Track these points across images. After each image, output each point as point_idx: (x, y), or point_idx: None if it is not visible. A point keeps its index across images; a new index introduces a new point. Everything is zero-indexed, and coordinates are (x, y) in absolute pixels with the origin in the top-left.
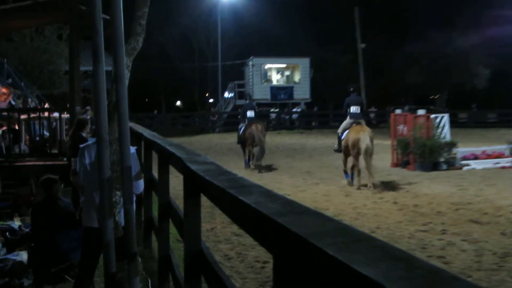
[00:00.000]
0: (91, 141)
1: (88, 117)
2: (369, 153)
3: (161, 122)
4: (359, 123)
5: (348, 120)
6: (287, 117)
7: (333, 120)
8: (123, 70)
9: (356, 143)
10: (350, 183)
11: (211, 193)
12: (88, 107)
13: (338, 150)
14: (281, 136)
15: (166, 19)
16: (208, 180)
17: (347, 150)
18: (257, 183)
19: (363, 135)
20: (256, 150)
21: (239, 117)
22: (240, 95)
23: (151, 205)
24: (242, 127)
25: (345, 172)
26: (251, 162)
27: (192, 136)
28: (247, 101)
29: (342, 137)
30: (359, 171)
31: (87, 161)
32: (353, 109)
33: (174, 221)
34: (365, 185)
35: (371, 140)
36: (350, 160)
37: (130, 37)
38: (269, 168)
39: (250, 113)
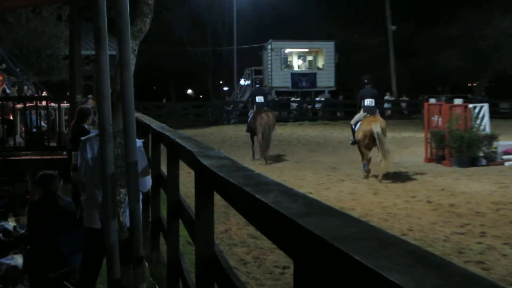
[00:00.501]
0: (93, 133)
1: (89, 106)
2: (380, 141)
3: (170, 113)
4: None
5: (361, 113)
6: (309, 107)
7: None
8: (129, 55)
9: (366, 134)
10: (366, 175)
11: (225, 191)
12: (90, 96)
13: (354, 143)
14: (303, 128)
15: None
16: (222, 176)
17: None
18: (276, 180)
19: (374, 125)
20: (262, 141)
21: (247, 104)
22: (258, 81)
23: (159, 204)
24: (251, 114)
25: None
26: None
27: (204, 128)
28: (257, 85)
29: (356, 129)
30: (369, 161)
31: (89, 155)
32: (367, 102)
33: (184, 222)
34: (377, 176)
35: (383, 130)
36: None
37: (136, 18)
38: (290, 164)
39: (259, 99)
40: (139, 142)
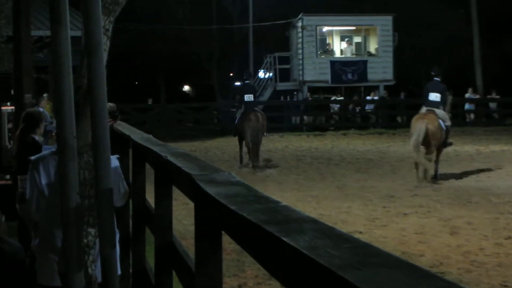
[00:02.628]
0: (48, 150)
1: (41, 110)
2: (420, 140)
3: (159, 118)
4: (432, 111)
5: (422, 109)
6: (357, 109)
7: None
8: (99, 37)
9: (414, 131)
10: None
11: (239, 231)
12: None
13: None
14: (349, 139)
15: None
16: (234, 210)
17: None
18: (310, 216)
19: (421, 122)
20: (251, 146)
21: (235, 103)
22: (284, 74)
23: (144, 249)
24: (238, 115)
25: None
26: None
27: (207, 140)
28: (246, 81)
29: None
30: (419, 165)
31: (43, 181)
32: (432, 96)
33: (180, 274)
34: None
35: (433, 129)
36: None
37: None
38: (329, 190)
39: (248, 97)
40: (114, 161)
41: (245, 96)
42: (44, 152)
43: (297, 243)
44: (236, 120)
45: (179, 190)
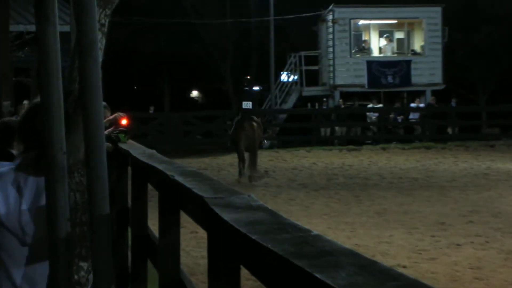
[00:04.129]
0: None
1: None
2: None
3: (162, 130)
4: None
5: None
6: (399, 118)
7: (488, 124)
8: (94, 34)
9: None
10: None
11: (262, 266)
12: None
13: None
14: (389, 154)
15: None
16: (256, 241)
17: None
18: (346, 247)
19: None
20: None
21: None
22: (311, 76)
23: (146, 285)
24: (234, 122)
25: None
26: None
27: (220, 156)
28: (245, 88)
29: None
30: None
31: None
32: None
33: None
34: None
35: None
36: None
37: None
38: (367, 216)
39: (246, 104)
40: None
41: (243, 103)
42: (2, 169)
43: (334, 280)
44: (232, 128)
45: (188, 216)
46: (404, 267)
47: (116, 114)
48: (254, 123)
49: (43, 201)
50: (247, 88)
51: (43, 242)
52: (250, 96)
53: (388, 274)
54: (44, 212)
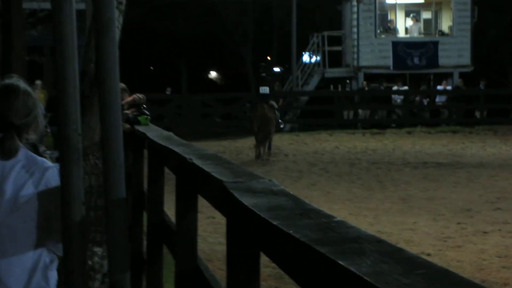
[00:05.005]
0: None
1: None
2: None
3: (180, 112)
4: None
5: None
6: (425, 101)
7: None
8: (112, 12)
9: None
10: None
11: (283, 253)
12: (37, 82)
13: None
14: (414, 138)
15: None
16: (277, 226)
17: None
18: (371, 233)
19: None
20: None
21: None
22: (334, 58)
23: (161, 273)
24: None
25: None
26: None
27: (239, 139)
28: (262, 74)
29: None
30: None
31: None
32: None
33: None
34: None
35: None
36: None
37: None
38: (390, 202)
39: (263, 89)
40: (54, 174)
41: (260, 88)
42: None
43: (358, 268)
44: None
45: (206, 201)
46: (429, 255)
47: (134, 96)
48: (266, 106)
49: (6, 186)
50: (264, 74)
51: (12, 231)
52: (267, 81)
53: (414, 262)
54: (11, 199)
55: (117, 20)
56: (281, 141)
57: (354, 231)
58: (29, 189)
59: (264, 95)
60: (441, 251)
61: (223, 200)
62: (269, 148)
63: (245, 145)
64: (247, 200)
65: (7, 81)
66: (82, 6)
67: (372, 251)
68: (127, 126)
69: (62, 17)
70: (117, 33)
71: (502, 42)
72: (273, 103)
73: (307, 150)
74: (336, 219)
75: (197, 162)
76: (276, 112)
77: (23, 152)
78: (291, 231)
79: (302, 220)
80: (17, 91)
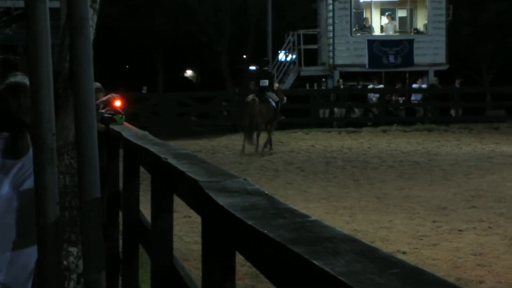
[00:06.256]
0: None
1: None
2: None
3: (156, 111)
4: None
5: None
6: (401, 100)
7: (493, 107)
8: (85, 10)
9: None
10: None
11: (257, 252)
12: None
13: None
14: (390, 137)
15: None
16: (252, 226)
17: None
18: (346, 232)
19: None
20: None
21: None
22: (310, 57)
23: (137, 273)
24: None
25: None
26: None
27: (216, 138)
28: (265, 68)
29: None
30: None
31: None
32: None
33: None
34: None
35: None
36: None
37: None
38: (366, 200)
39: (263, 82)
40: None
41: (261, 81)
42: None
43: (332, 268)
44: None
45: (181, 200)
46: (404, 253)
47: (109, 95)
48: (257, 99)
49: (5, 185)
50: (265, 68)
51: (11, 229)
52: (268, 75)
53: (388, 261)
54: (10, 198)
55: (92, 18)
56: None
57: (328, 230)
58: (27, 188)
59: (264, 87)
60: (417, 250)
61: (198, 199)
62: (269, 142)
63: (221, 144)
64: (222, 200)
65: (13, 79)
66: (56, 4)
67: (346, 251)
68: (102, 125)
69: (36, 15)
70: (91, 32)
71: (477, 40)
72: (272, 94)
73: (283, 148)
74: (310, 219)
75: (172, 161)
76: (273, 104)
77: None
78: (265, 231)
79: (276, 220)
80: (25, 89)
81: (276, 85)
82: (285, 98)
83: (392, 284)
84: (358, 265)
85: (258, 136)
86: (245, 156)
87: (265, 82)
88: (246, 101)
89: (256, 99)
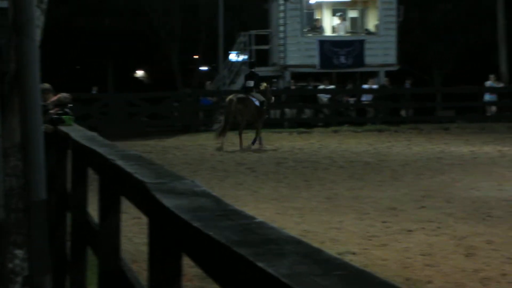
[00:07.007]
0: None
1: None
2: None
3: (106, 111)
4: None
5: None
6: (351, 100)
7: (443, 108)
8: (31, 11)
9: None
10: None
11: (203, 254)
12: None
13: None
14: (341, 137)
15: None
16: (198, 228)
17: None
18: (292, 235)
19: None
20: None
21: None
22: (261, 57)
23: (85, 274)
24: None
25: None
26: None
27: (166, 139)
28: (251, 69)
29: None
30: None
31: None
32: None
33: None
34: None
35: None
36: None
37: None
38: (317, 201)
39: (248, 83)
40: None
41: (246, 82)
42: None
43: (276, 269)
44: None
45: (129, 202)
46: (354, 253)
47: (59, 95)
48: (234, 98)
49: None
50: (252, 70)
51: None
52: (253, 76)
53: (333, 263)
54: None
55: (39, 19)
56: (208, 141)
57: (274, 232)
58: None
59: (248, 88)
60: (366, 250)
61: (145, 201)
62: (255, 141)
63: (172, 145)
64: (169, 202)
65: None
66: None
67: (291, 252)
68: (50, 127)
69: None
70: (38, 32)
71: (427, 41)
72: (257, 94)
73: (234, 149)
74: (256, 220)
75: (120, 163)
76: (256, 103)
77: None
78: (211, 233)
79: (223, 222)
80: None
81: (263, 84)
82: (273, 98)
83: (335, 286)
84: (302, 267)
85: (240, 134)
86: (223, 152)
87: (250, 83)
88: (226, 100)
89: (234, 99)
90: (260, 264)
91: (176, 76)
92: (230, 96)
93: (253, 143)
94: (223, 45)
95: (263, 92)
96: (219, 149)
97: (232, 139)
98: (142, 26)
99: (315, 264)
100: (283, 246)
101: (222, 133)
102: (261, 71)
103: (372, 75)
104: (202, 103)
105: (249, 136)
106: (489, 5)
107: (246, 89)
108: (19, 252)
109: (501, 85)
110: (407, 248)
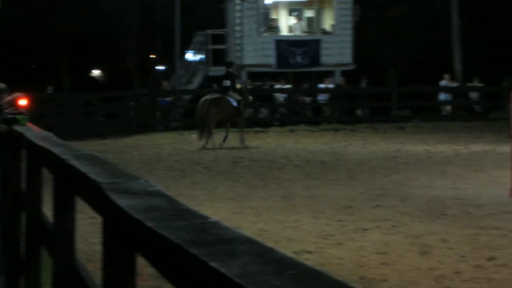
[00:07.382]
0: None
1: None
2: None
3: (62, 111)
4: None
5: None
6: (307, 99)
7: (398, 107)
8: None
9: None
10: None
11: (157, 255)
12: None
13: None
14: (297, 137)
15: None
16: (151, 228)
17: None
18: (246, 234)
19: None
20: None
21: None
22: (218, 57)
23: (39, 275)
24: None
25: None
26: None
27: (123, 138)
28: (228, 69)
29: None
30: None
31: None
32: None
33: None
34: None
35: None
36: None
37: None
38: (272, 200)
39: (225, 83)
40: None
41: (223, 81)
42: None
43: (229, 269)
44: None
45: (84, 201)
46: (309, 252)
47: (14, 95)
48: (208, 99)
49: None
50: (230, 70)
51: None
52: (230, 76)
53: (285, 263)
54: None
55: None
56: (164, 140)
57: (227, 232)
58: None
59: (225, 87)
60: (322, 249)
61: (99, 201)
62: (226, 139)
63: (129, 144)
64: (122, 201)
65: None
66: None
67: (244, 252)
68: (4, 126)
69: None
70: None
71: (383, 41)
72: (234, 94)
73: (191, 148)
74: (210, 220)
75: (74, 162)
76: (233, 103)
77: None
78: (165, 233)
79: (176, 221)
80: None
81: (238, 85)
82: (251, 97)
83: (287, 285)
84: (254, 267)
85: (210, 133)
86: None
87: (227, 83)
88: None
89: (208, 99)
90: (213, 264)
91: (133, 75)
92: (206, 96)
93: (225, 140)
94: (179, 45)
95: (240, 91)
96: (203, 147)
97: (187, 138)
98: (98, 25)
99: (267, 263)
100: (237, 246)
101: (202, 134)
102: (218, 70)
103: (328, 74)
104: (160, 104)
105: (218, 137)
106: (444, 5)
107: (223, 89)
108: None
109: (455, 84)
110: (363, 247)
